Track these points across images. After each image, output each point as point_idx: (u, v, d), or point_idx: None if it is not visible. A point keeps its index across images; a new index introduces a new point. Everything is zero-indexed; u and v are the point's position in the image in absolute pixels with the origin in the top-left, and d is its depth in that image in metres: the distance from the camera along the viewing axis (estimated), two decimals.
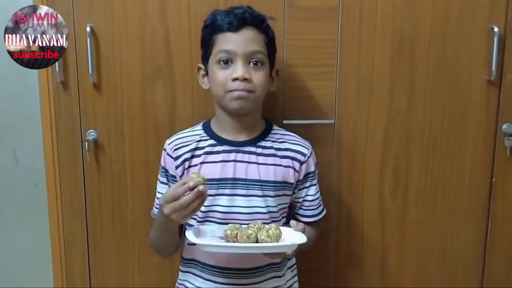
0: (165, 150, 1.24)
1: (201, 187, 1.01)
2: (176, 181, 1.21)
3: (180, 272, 1.29)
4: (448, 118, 1.46)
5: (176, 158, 1.21)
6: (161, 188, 1.25)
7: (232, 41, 1.14)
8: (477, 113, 1.46)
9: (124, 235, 1.46)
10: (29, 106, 1.45)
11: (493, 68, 1.41)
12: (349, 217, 1.50)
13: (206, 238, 1.13)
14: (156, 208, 1.25)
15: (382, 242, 1.52)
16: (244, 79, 1.13)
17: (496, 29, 1.39)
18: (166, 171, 1.23)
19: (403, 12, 1.39)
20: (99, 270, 1.48)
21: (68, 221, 1.45)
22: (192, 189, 1.01)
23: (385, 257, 1.53)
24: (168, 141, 1.24)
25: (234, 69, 1.14)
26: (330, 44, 1.40)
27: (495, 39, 1.39)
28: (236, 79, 1.13)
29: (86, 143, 1.39)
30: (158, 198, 1.25)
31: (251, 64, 1.15)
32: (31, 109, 1.45)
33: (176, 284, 1.30)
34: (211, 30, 1.17)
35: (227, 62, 1.14)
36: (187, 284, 1.25)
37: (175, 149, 1.21)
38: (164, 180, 1.24)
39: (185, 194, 1.02)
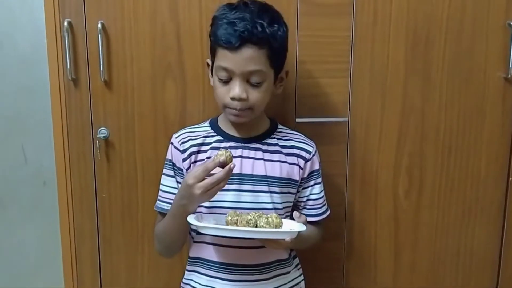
0: (172, 143, 1.24)
1: (232, 165, 1.05)
2: (183, 174, 1.21)
3: (186, 272, 1.28)
4: (463, 116, 1.44)
5: (183, 151, 1.21)
6: (166, 181, 1.24)
7: (230, 60, 1.11)
8: (493, 111, 1.44)
9: (134, 233, 1.45)
10: (39, 103, 1.44)
11: (510, 65, 1.39)
12: (362, 216, 1.48)
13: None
14: (162, 201, 1.23)
15: (395, 241, 1.50)
16: (240, 99, 1.12)
17: None
18: (173, 164, 1.22)
19: (418, 7, 1.37)
20: (109, 268, 1.47)
21: (78, 219, 1.44)
22: (221, 165, 1.04)
23: (398, 257, 1.51)
24: (175, 135, 1.24)
25: (232, 87, 1.12)
26: (344, 40, 1.38)
27: None
28: (233, 98, 1.12)
29: (97, 141, 1.38)
30: (165, 191, 1.23)
31: (250, 81, 1.12)
32: (41, 106, 1.44)
33: (181, 284, 1.29)
34: (213, 36, 1.15)
35: (226, 77, 1.13)
36: (192, 283, 1.25)
37: (183, 142, 1.22)
38: (171, 173, 1.23)
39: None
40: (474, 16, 1.38)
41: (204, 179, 1.05)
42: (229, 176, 1.06)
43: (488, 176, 1.47)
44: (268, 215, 1.10)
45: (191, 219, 1.09)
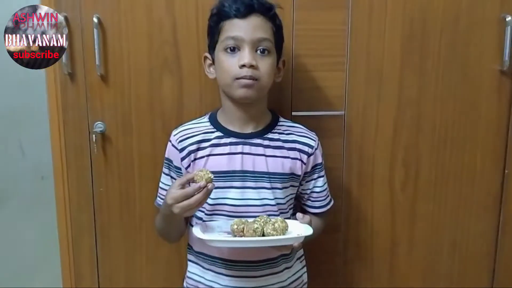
0: (170, 141, 1.23)
1: (210, 186, 1.05)
2: (181, 173, 1.21)
3: (189, 263, 1.28)
4: (459, 108, 1.44)
5: (181, 150, 1.20)
6: (165, 179, 1.25)
7: (239, 28, 1.13)
8: (489, 103, 1.44)
9: (131, 227, 1.46)
10: (36, 98, 1.45)
11: (505, 58, 1.39)
12: (358, 209, 1.49)
13: (213, 233, 1.13)
14: (161, 198, 1.25)
15: (392, 234, 1.51)
16: (251, 66, 1.12)
17: (508, 18, 1.37)
18: (171, 162, 1.23)
19: (414, 0, 1.37)
20: (107, 262, 1.48)
21: (76, 213, 1.44)
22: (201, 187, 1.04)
23: (395, 249, 1.52)
24: (174, 132, 1.24)
25: (241, 55, 1.13)
26: (340, 34, 1.38)
27: (508, 28, 1.37)
28: (243, 65, 1.12)
29: (94, 135, 1.39)
30: (162, 188, 1.25)
31: (258, 52, 1.14)
32: (38, 101, 1.44)
33: (185, 277, 1.29)
34: (217, 17, 1.17)
35: (234, 49, 1.14)
36: (195, 277, 1.25)
37: (181, 141, 1.21)
38: (166, 171, 1.24)
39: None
40: (469, 9, 1.39)
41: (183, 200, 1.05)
42: (208, 197, 1.05)
43: (484, 169, 1.47)
44: (274, 220, 1.09)
45: (197, 232, 1.09)
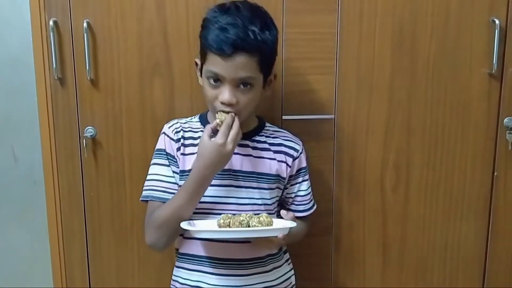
0: (164, 133, 1.24)
1: (233, 114, 1.12)
2: (177, 163, 1.21)
3: (174, 268, 1.28)
4: (449, 111, 1.45)
5: (177, 141, 1.22)
6: (164, 171, 1.22)
7: (221, 66, 1.10)
8: (478, 106, 1.45)
9: (123, 232, 1.46)
10: (26, 103, 1.44)
11: (494, 61, 1.40)
12: (350, 212, 1.49)
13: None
14: (158, 191, 1.21)
15: (383, 236, 1.51)
16: (230, 104, 1.12)
17: (497, 22, 1.37)
18: (167, 154, 1.22)
19: (404, 4, 1.38)
20: (99, 267, 1.47)
21: (67, 218, 1.44)
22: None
23: (386, 252, 1.52)
24: (167, 125, 1.25)
25: (222, 90, 1.12)
26: (330, 37, 1.38)
27: (496, 31, 1.38)
28: (223, 102, 1.12)
29: (84, 140, 1.38)
30: (161, 181, 1.21)
31: (240, 86, 1.12)
32: (28, 106, 1.44)
33: (171, 282, 1.29)
34: (204, 40, 1.13)
35: (216, 81, 1.13)
36: (180, 280, 1.25)
37: (176, 132, 1.23)
38: (166, 162, 1.22)
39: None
40: (458, 13, 1.39)
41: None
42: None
43: (474, 172, 1.48)
44: (259, 215, 1.12)
45: (184, 225, 1.11)
